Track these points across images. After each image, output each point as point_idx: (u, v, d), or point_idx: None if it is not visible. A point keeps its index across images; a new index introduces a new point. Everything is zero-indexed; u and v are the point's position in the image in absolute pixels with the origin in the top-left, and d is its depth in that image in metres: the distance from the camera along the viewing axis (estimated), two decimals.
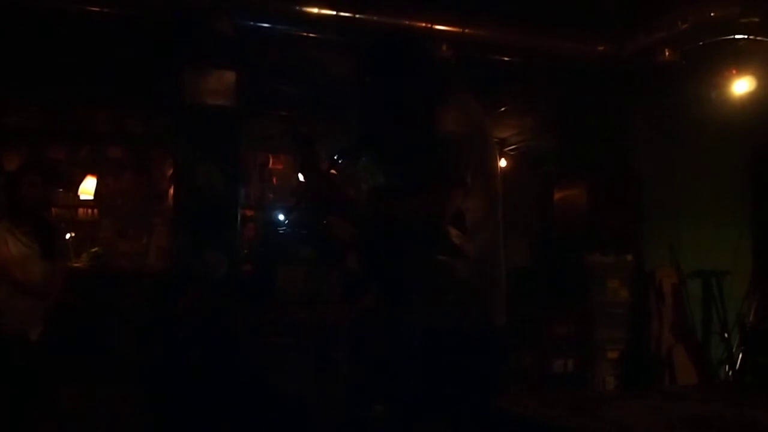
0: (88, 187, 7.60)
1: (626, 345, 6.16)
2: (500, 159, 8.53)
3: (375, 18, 5.37)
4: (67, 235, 6.17)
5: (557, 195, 7.41)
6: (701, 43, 5.51)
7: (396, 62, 2.27)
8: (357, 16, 5.35)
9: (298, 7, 5.37)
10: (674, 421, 4.89)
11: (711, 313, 6.15)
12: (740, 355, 5.99)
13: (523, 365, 6.02)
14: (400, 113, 2.27)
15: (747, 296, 6.12)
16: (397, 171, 2.35)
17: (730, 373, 6.03)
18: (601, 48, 6.02)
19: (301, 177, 2.36)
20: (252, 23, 5.41)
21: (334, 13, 5.35)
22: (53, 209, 4.22)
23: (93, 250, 6.79)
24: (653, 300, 6.29)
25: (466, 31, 5.66)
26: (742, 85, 5.80)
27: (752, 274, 6.39)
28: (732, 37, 5.33)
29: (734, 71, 5.78)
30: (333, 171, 2.25)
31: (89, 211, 7.72)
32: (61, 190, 7.33)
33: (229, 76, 5.52)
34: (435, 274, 2.17)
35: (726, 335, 6.00)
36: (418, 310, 2.20)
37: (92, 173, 7.62)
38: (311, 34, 5.53)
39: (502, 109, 7.46)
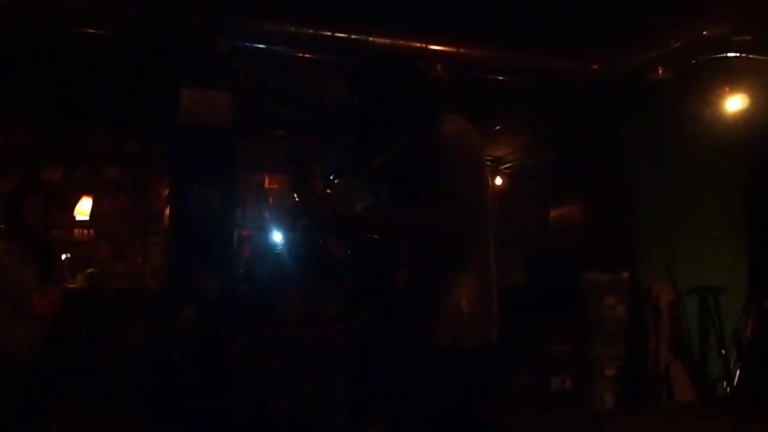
0: (83, 208, 7.58)
1: (624, 362, 6.14)
2: (496, 177, 8.57)
3: (370, 38, 5.41)
4: (63, 256, 6.15)
5: (553, 212, 7.43)
6: (694, 62, 5.55)
7: (385, 82, 2.28)
8: (352, 36, 5.39)
9: (293, 28, 5.40)
10: None
11: (708, 329, 6.14)
12: (738, 371, 5.98)
13: (521, 383, 6.00)
14: (391, 133, 2.28)
15: (744, 312, 6.12)
16: (390, 190, 2.35)
17: (728, 389, 6.02)
18: (595, 66, 6.06)
19: (295, 197, 2.35)
20: (248, 44, 5.43)
21: (330, 33, 5.38)
22: (51, 230, 4.20)
23: (89, 270, 6.76)
24: (650, 316, 6.29)
25: (461, 50, 5.69)
26: (735, 103, 5.84)
27: (749, 290, 6.39)
28: (724, 55, 5.37)
29: (727, 89, 5.83)
30: (329, 191, 2.25)
31: (85, 231, 7.70)
32: (58, 211, 7.32)
33: (225, 97, 5.54)
34: (426, 292, 2.18)
35: (723, 351, 5.99)
36: (410, 329, 2.20)
37: (88, 194, 7.61)
38: (307, 55, 5.56)
39: (497, 127, 7.49)
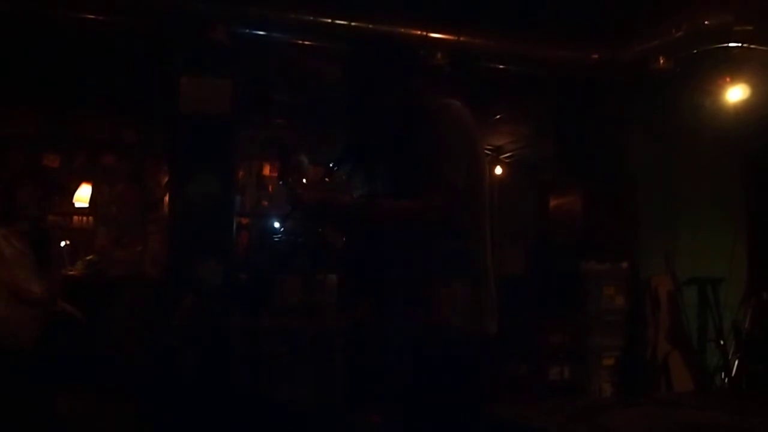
0: (83, 195, 7.58)
1: (622, 352, 6.16)
2: (496, 167, 8.55)
3: (370, 25, 5.39)
4: (62, 243, 6.16)
5: (553, 202, 7.42)
6: (695, 51, 5.53)
7: (381, 67, 2.26)
8: (353, 23, 5.37)
9: (294, 15, 5.39)
10: (670, 429, 4.90)
11: (707, 320, 6.15)
12: (736, 362, 5.99)
13: (519, 373, 6.01)
14: (388, 119, 2.26)
15: (742, 303, 6.13)
16: (387, 178, 2.33)
17: (726, 380, 6.04)
18: (595, 56, 6.04)
19: (281, 184, 2.33)
20: (248, 31, 5.41)
21: (330, 20, 5.36)
22: (49, 217, 4.21)
23: (88, 257, 6.77)
24: (649, 307, 6.30)
25: (461, 38, 5.67)
26: (736, 93, 5.82)
27: (748, 281, 6.40)
28: (726, 45, 5.35)
29: (728, 79, 5.80)
30: (327, 179, 2.24)
31: (84, 218, 7.70)
32: (56, 198, 7.32)
33: (225, 84, 5.52)
34: (423, 282, 2.16)
35: (722, 342, 6.00)
36: (407, 320, 2.19)
37: (87, 181, 7.61)
38: (307, 42, 5.54)
39: (497, 116, 7.48)
